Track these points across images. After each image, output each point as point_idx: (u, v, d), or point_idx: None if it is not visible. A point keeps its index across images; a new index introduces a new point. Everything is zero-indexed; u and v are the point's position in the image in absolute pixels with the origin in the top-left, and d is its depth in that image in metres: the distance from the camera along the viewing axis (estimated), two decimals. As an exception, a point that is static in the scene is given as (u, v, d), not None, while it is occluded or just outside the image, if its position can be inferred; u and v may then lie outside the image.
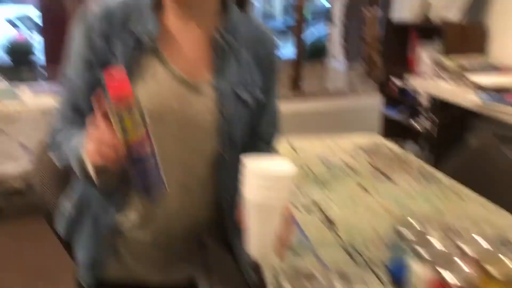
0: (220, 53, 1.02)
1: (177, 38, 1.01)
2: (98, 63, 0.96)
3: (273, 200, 0.82)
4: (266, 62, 1.09)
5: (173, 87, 0.98)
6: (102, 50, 0.96)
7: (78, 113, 1.00)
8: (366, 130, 3.93)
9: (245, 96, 1.05)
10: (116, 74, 0.79)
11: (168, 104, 0.97)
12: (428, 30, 3.44)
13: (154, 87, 0.97)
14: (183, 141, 1.00)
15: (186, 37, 1.01)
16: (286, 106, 4.09)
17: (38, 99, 2.68)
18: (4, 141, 2.49)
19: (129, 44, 0.96)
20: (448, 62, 2.70)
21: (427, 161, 3.04)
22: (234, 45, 1.03)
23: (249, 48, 1.06)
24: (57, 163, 1.04)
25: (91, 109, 0.86)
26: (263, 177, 0.81)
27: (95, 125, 0.83)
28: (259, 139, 1.13)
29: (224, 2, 1.03)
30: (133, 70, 0.95)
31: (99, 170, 0.87)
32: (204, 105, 1.00)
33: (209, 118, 1.00)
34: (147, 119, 0.82)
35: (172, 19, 1.00)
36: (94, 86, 0.93)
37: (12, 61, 5.06)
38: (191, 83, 0.99)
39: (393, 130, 3.79)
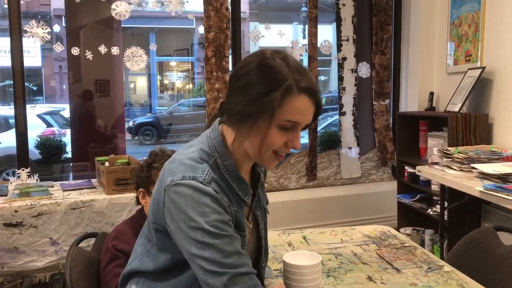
0: (258, 183, 1.24)
1: None
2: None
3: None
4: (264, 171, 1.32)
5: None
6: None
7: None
8: (383, 217, 4.02)
9: (266, 207, 1.30)
10: None
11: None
12: (436, 120, 3.61)
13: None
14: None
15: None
16: (303, 194, 4.20)
17: (67, 195, 2.86)
18: (34, 236, 2.64)
19: (240, 206, 1.14)
20: (454, 151, 2.83)
21: (441, 246, 3.09)
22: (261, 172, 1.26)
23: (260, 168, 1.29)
24: None
25: None
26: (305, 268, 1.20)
27: None
28: None
29: None
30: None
31: None
32: (250, 236, 1.22)
33: (253, 244, 1.23)
34: None
35: (244, 171, 1.18)
36: None
37: (42, 156, 5.26)
38: (247, 218, 1.21)
39: (409, 216, 3.85)
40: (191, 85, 11.25)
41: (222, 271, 0.99)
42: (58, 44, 3.27)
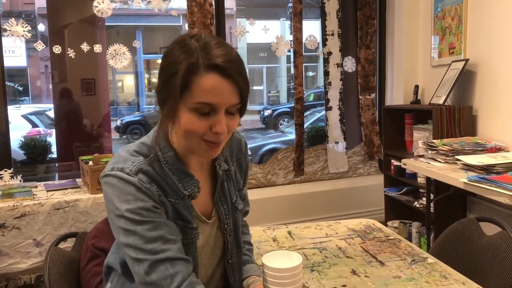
0: (220, 181, 1.18)
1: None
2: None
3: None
4: (244, 161, 1.27)
5: (199, 225, 1.14)
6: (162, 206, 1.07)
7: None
8: (370, 210, 4.03)
9: (238, 202, 1.23)
10: None
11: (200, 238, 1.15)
12: (421, 113, 3.62)
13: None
14: (213, 256, 1.22)
15: (200, 176, 1.14)
16: (291, 190, 4.19)
17: (51, 195, 2.82)
18: (18, 237, 2.60)
19: (180, 198, 1.10)
20: (439, 143, 2.84)
21: (427, 239, 3.10)
22: (228, 168, 1.20)
23: (234, 160, 1.24)
24: None
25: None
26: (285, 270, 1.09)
27: None
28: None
29: None
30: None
31: None
32: (217, 231, 1.20)
33: (221, 239, 1.21)
34: None
35: (194, 163, 1.13)
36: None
37: (26, 156, 5.18)
38: (207, 219, 1.17)
39: (396, 209, 3.87)
40: (178, 83, 11.18)
41: (143, 257, 0.99)
42: (39, 43, 3.22)
